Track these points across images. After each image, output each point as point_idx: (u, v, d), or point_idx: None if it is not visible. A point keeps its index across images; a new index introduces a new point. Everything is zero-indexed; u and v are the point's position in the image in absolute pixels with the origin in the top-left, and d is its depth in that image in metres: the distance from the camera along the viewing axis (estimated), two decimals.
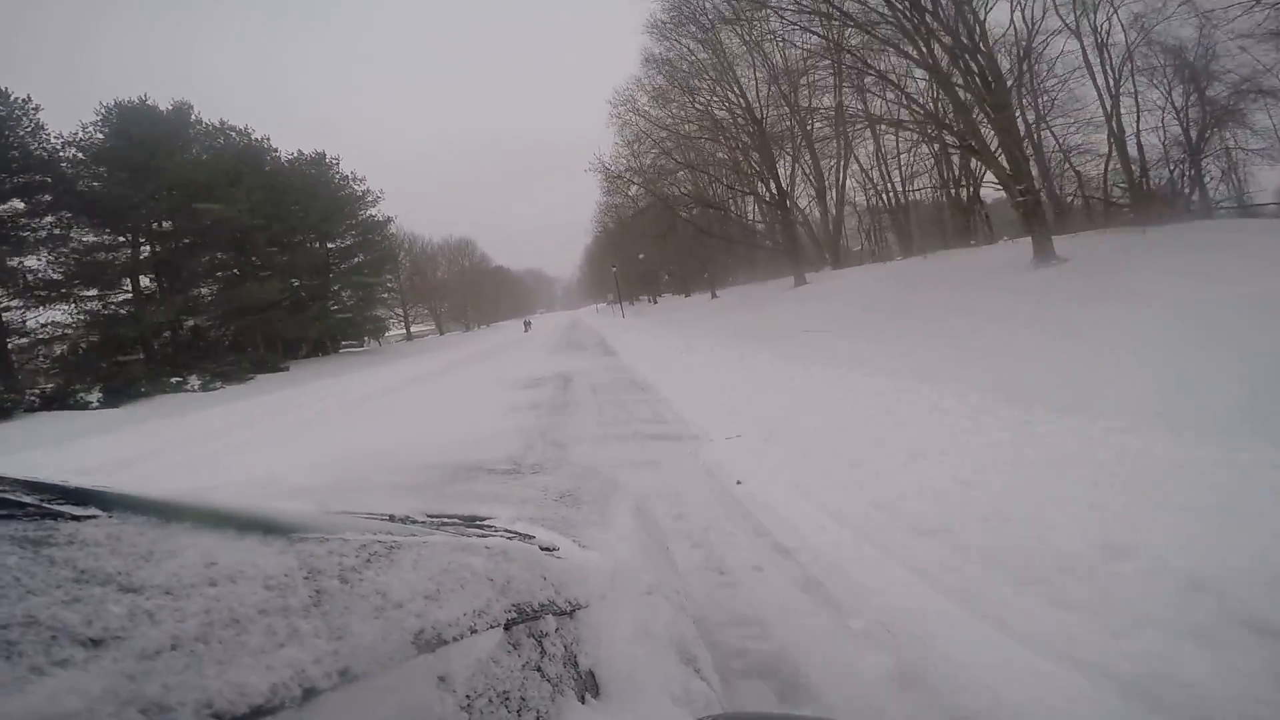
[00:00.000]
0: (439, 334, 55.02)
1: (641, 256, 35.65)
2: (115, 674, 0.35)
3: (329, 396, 12.48)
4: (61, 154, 21.01)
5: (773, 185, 20.81)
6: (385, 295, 38.09)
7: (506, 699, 0.61)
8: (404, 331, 50.31)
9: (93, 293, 21.82)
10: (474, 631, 0.61)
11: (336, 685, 0.44)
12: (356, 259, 32.56)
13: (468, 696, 0.56)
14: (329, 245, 31.75)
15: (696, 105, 20.76)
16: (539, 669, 0.70)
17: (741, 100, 20.50)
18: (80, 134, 21.66)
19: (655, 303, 42.59)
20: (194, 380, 19.14)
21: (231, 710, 0.37)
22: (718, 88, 20.70)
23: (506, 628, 0.68)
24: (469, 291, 63.19)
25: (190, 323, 25.16)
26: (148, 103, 23.42)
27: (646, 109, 21.63)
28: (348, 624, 0.49)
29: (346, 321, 31.69)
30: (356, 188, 32.50)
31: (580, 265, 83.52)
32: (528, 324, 43.86)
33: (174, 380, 18.81)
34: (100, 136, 22.03)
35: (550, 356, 14.01)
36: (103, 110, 22.55)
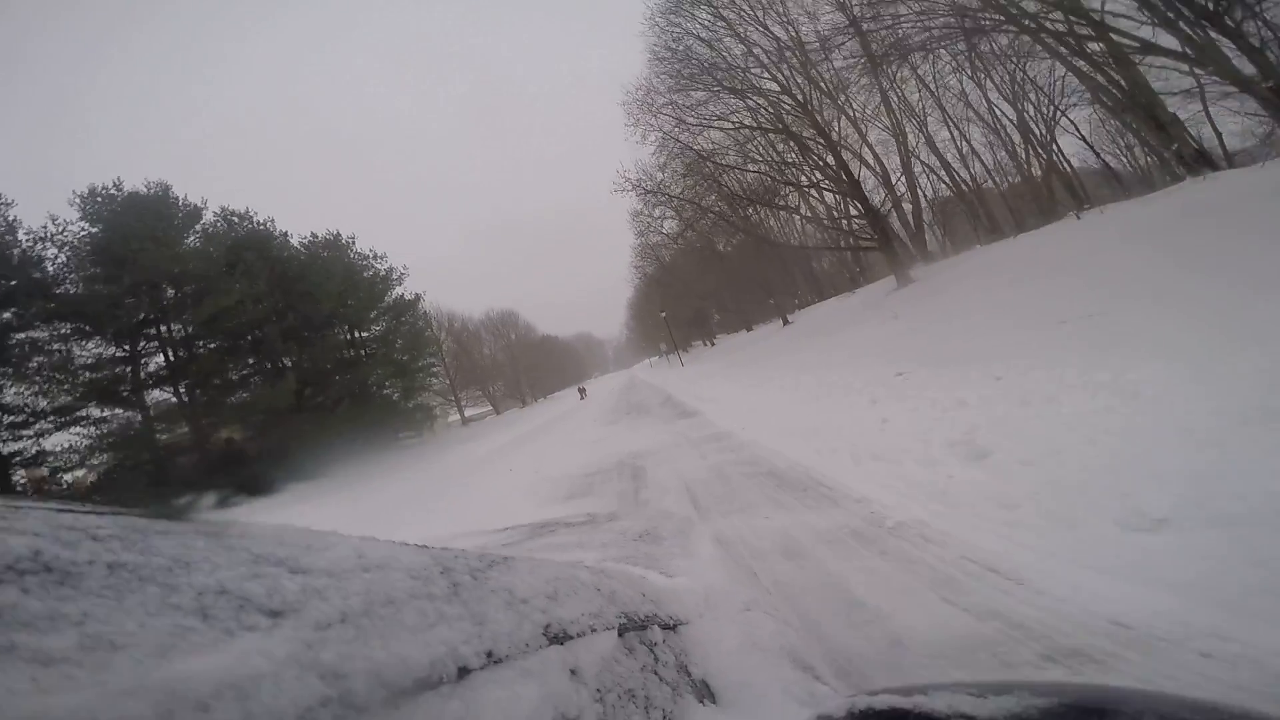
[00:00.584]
0: (495, 414, 52.75)
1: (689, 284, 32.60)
2: (296, 641, 0.39)
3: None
4: (41, 252, 18.72)
5: (832, 166, 17.09)
6: (431, 379, 35.67)
7: (633, 696, 0.65)
8: (459, 416, 48.08)
9: (104, 413, 19.52)
10: (593, 630, 0.67)
11: (485, 665, 0.49)
12: (395, 344, 30.27)
13: (598, 690, 0.61)
14: (360, 334, 29.54)
15: (724, 91, 17.34)
16: (655, 673, 0.74)
17: (773, 81, 17.14)
18: (52, 228, 19.03)
19: (712, 345, 38.80)
20: (209, 498, 16.53)
21: (398, 681, 0.41)
22: (743, 73, 17.37)
23: (620, 633, 0.74)
24: (520, 365, 61.10)
25: (224, 435, 23.15)
26: (123, 188, 20.97)
27: (667, 102, 18.06)
28: (485, 612, 0.55)
29: (391, 412, 28.49)
30: (378, 266, 30.01)
31: (626, 321, 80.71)
32: (582, 391, 41.34)
33: (180, 501, 16.16)
34: (76, 229, 19.57)
35: (608, 430, 10.41)
36: (77, 200, 20.12)
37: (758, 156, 19.25)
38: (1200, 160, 13.32)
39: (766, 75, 17.19)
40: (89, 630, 0.35)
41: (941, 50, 13.15)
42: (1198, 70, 11.07)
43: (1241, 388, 2.36)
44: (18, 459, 18.11)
